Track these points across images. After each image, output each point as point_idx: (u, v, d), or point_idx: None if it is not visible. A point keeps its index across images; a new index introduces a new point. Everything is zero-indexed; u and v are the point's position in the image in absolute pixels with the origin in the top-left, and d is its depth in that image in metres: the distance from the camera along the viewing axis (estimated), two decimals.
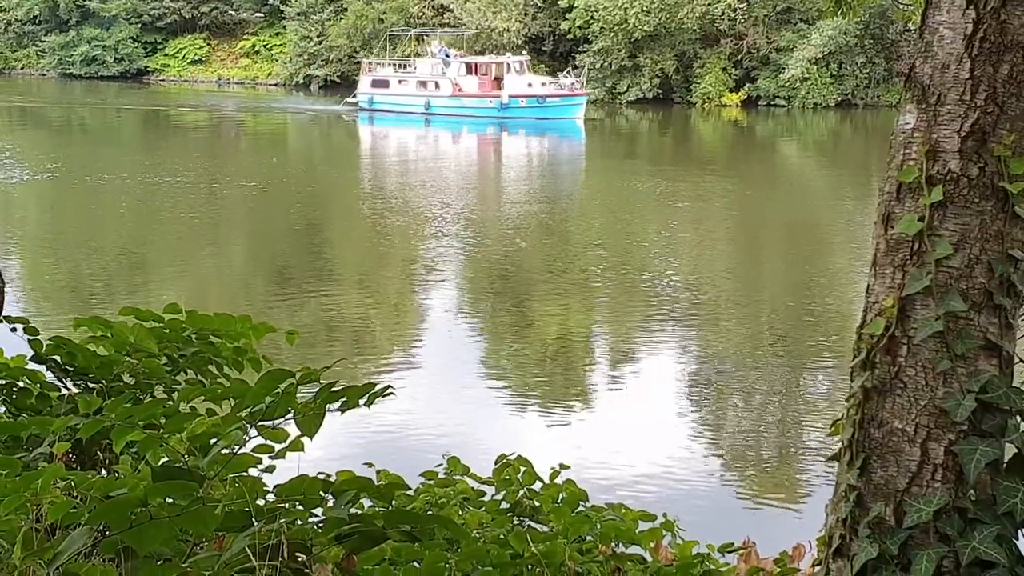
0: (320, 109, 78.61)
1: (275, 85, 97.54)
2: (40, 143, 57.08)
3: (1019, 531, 3.70)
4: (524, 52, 76.97)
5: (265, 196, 40.98)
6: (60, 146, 56.33)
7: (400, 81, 75.06)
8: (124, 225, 34.36)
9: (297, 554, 3.55)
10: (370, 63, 78.14)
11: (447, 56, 74.96)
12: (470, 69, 73.91)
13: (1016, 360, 3.89)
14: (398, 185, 44.22)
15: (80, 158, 49.68)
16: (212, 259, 30.49)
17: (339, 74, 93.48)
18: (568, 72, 73.16)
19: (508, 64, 72.34)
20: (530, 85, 71.20)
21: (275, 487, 3.85)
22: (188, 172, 45.53)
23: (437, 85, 73.37)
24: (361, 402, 3.94)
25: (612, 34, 78.92)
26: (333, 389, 3.85)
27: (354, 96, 76.82)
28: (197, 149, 57.07)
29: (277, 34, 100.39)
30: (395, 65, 77.45)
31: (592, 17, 79.95)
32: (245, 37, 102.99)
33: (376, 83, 75.77)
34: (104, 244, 31.52)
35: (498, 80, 72.14)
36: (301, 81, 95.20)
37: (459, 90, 72.60)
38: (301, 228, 35.33)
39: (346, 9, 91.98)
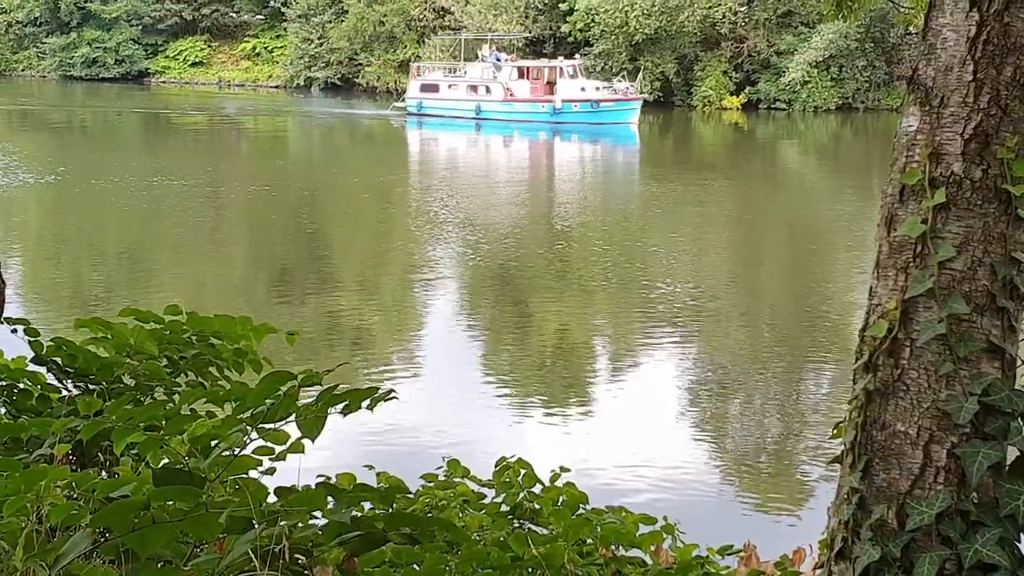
0: (366, 113, 77.43)
1: (276, 87, 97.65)
2: (42, 146, 57.05)
3: (1021, 534, 3.70)
4: (577, 56, 75.87)
5: (316, 200, 40.74)
6: (68, 148, 56.37)
7: (450, 86, 73.78)
8: (171, 232, 34.02)
9: (298, 556, 3.54)
10: (419, 67, 76.88)
11: (498, 60, 73.88)
12: (522, 73, 72.93)
13: (1019, 363, 3.88)
14: (447, 191, 43.21)
15: (106, 162, 49.49)
16: (314, 265, 30.50)
17: (340, 76, 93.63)
18: (622, 76, 72.03)
19: (561, 68, 71.29)
20: (583, 89, 69.81)
21: (277, 489, 3.84)
22: (236, 180, 44.72)
23: (488, 89, 72.18)
24: (364, 405, 3.93)
25: (613, 37, 79.04)
26: (336, 392, 3.84)
27: (402, 100, 75.63)
28: (239, 155, 56.35)
29: (278, 36, 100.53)
30: (444, 69, 76.30)
31: (593, 20, 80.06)
32: (246, 39, 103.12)
33: (425, 87, 74.41)
34: (139, 249, 31.57)
35: (550, 84, 71.11)
36: (302, 83, 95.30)
37: (511, 95, 71.49)
38: (348, 231, 35.06)
39: (347, 11, 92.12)
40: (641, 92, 70.36)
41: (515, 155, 62.26)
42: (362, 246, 32.60)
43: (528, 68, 73.62)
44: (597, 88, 69.83)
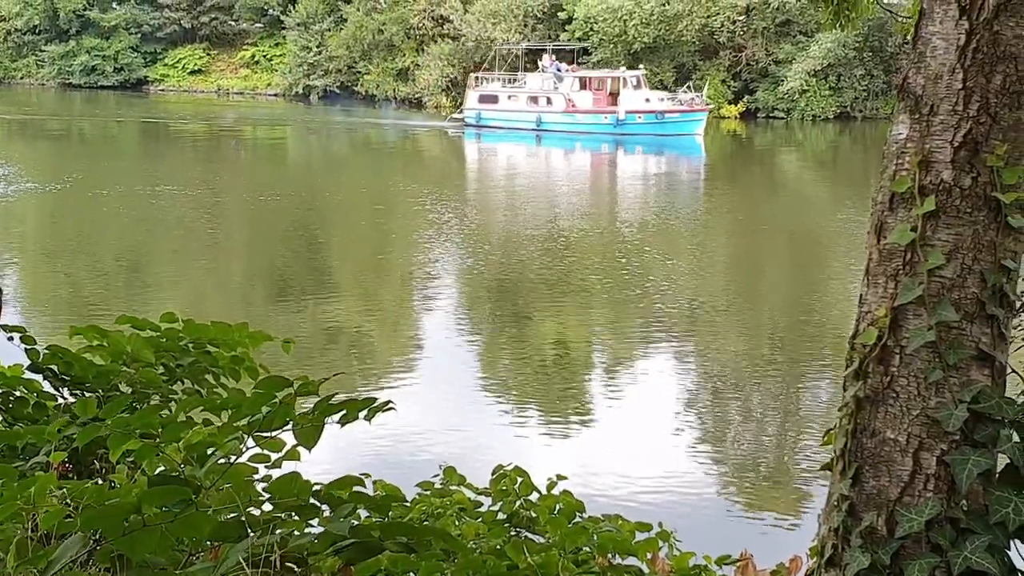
0: (419, 125, 76.06)
1: (274, 95, 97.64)
2: (40, 154, 57.09)
3: (1011, 541, 3.71)
4: (640, 66, 74.23)
5: (386, 215, 39.85)
6: (66, 157, 56.39)
7: (510, 96, 72.43)
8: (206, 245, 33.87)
9: (290, 565, 3.55)
10: (477, 78, 75.39)
11: (559, 71, 72.47)
12: (584, 84, 71.27)
13: (1008, 370, 3.90)
14: (506, 204, 42.45)
15: (114, 172, 49.43)
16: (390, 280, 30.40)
17: (339, 84, 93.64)
18: (688, 87, 70.64)
19: (624, 79, 69.73)
20: (648, 100, 68.40)
21: (268, 486, 3.84)
22: (297, 192, 44.02)
23: (549, 101, 70.76)
24: (361, 416, 3.94)
25: (612, 45, 79.06)
26: (333, 403, 3.85)
27: (460, 112, 74.46)
28: (289, 166, 54.92)
29: (276, 44, 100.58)
30: (503, 80, 74.83)
31: (592, 28, 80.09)
32: (245, 47, 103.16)
33: (484, 98, 73.10)
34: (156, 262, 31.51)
35: (613, 95, 69.37)
36: (300, 92, 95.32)
37: (572, 106, 69.94)
38: (410, 243, 34.54)
39: (346, 19, 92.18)
40: (707, 103, 68.87)
41: (576, 167, 61.21)
42: (415, 258, 31.99)
43: (590, 78, 71.83)
44: (661, 99, 68.45)
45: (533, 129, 69.74)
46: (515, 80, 74.29)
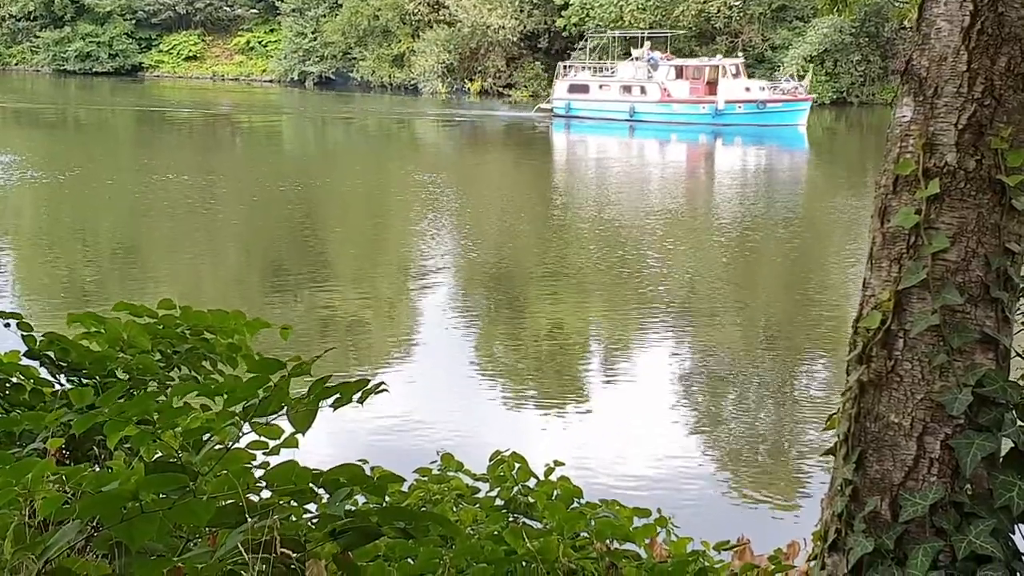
0: (506, 115, 74.02)
1: (269, 81, 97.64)
2: (36, 142, 57.00)
3: (1015, 525, 3.69)
4: (739, 54, 72.27)
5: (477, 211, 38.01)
6: (62, 145, 56.30)
7: (601, 86, 70.37)
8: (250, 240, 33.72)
9: (287, 551, 3.52)
10: (565, 67, 73.20)
11: (653, 59, 69.85)
12: (680, 73, 69.01)
13: (1013, 354, 3.88)
14: (595, 199, 40.96)
15: (111, 159, 49.23)
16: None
17: (334, 70, 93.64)
18: (790, 76, 68.62)
19: (723, 67, 67.60)
20: (748, 90, 66.13)
21: (265, 474, 3.82)
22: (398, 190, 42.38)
23: (643, 90, 68.61)
24: (355, 398, 3.92)
25: (608, 31, 79.03)
26: (328, 385, 3.83)
27: (548, 102, 72.53)
28: (389, 158, 52.26)
29: (272, 30, 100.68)
30: (593, 69, 72.65)
31: (588, 14, 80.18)
32: (240, 33, 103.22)
33: (574, 88, 71.19)
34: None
35: (711, 84, 67.32)
36: (296, 78, 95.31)
37: (668, 95, 67.81)
38: (498, 235, 33.49)
39: (341, 5, 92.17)
40: (810, 92, 66.76)
41: (671, 159, 58.91)
42: (503, 254, 30.97)
43: (686, 67, 69.62)
44: (762, 88, 66.33)
45: (626, 120, 67.69)
46: (603, 69, 72.35)
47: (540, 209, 38.45)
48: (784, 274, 28.97)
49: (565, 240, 32.39)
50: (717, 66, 68.06)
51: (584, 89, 70.88)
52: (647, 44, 72.02)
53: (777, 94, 65.53)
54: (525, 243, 32.09)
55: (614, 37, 75.55)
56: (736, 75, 67.08)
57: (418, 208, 37.98)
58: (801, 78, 67.49)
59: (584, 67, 73.01)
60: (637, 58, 70.65)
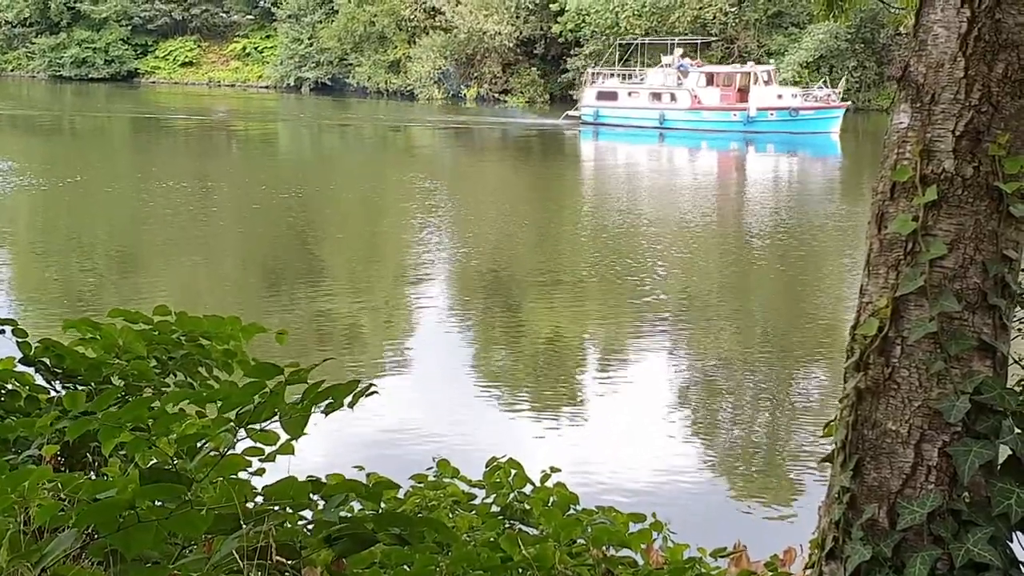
0: (534, 123, 72.80)
1: (265, 87, 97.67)
2: (32, 149, 56.96)
3: (1013, 533, 3.68)
4: (770, 61, 71.46)
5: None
6: (59, 152, 56.26)
7: (630, 93, 69.32)
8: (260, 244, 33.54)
9: (281, 558, 3.51)
10: (595, 74, 72.31)
11: (683, 66, 69.02)
12: (710, 80, 68.15)
13: (1010, 361, 3.87)
14: (625, 207, 40.05)
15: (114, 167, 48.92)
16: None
17: (330, 76, 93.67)
18: (823, 83, 67.95)
19: (755, 74, 66.74)
20: (780, 97, 65.37)
21: (264, 488, 3.82)
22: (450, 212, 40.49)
23: (673, 97, 67.69)
24: (346, 403, 3.91)
25: (604, 37, 79.08)
26: (320, 389, 3.82)
27: (576, 109, 71.56)
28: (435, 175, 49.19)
29: (268, 36, 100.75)
30: (621, 76, 71.64)
31: (584, 20, 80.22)
32: (236, 39, 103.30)
33: (602, 95, 70.07)
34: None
35: (742, 91, 66.44)
36: (292, 84, 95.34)
37: (698, 102, 67.06)
38: (522, 244, 33.00)
39: (337, 11, 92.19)
40: (843, 99, 65.83)
41: (702, 167, 58.05)
42: (526, 262, 30.42)
43: (717, 74, 68.89)
44: (794, 95, 65.43)
45: (656, 127, 66.85)
46: (631, 75, 71.55)
47: (568, 218, 38.10)
48: (818, 284, 28.78)
49: (589, 249, 31.99)
50: (748, 73, 67.38)
51: (613, 96, 69.94)
52: (678, 51, 71.21)
53: (810, 101, 64.87)
54: (553, 250, 31.73)
55: (642, 44, 74.66)
56: (768, 82, 66.45)
57: (441, 216, 37.89)
58: (834, 85, 66.66)
59: (612, 74, 72.12)
60: (667, 65, 69.87)
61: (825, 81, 68.14)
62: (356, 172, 50.72)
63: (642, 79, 70.42)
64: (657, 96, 68.41)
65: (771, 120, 64.43)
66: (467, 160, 57.64)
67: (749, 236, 34.91)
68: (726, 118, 65.96)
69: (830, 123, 63.56)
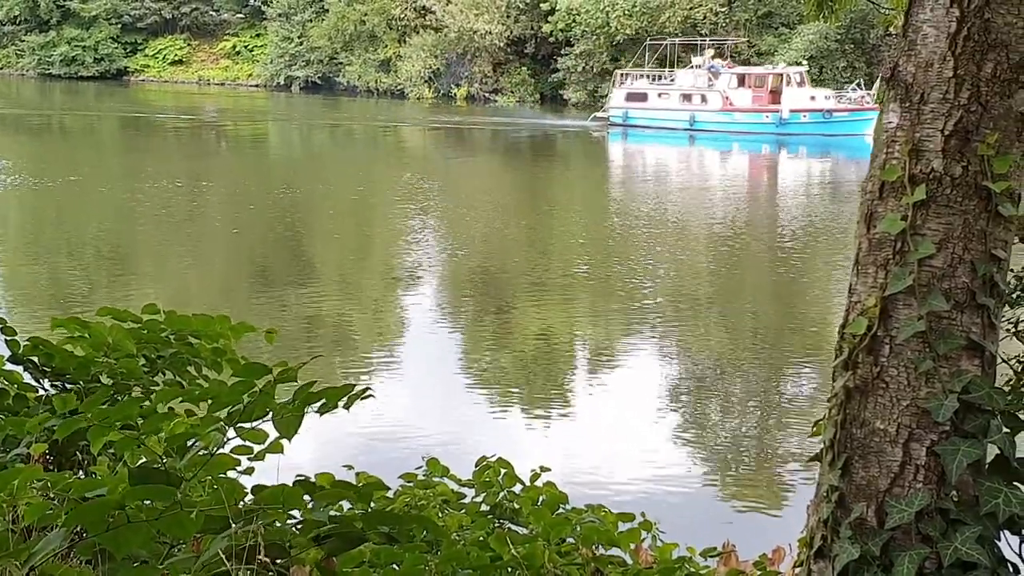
0: (560, 124, 71.89)
1: (255, 86, 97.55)
2: (22, 147, 56.82)
3: (1001, 532, 3.69)
4: (803, 63, 69.72)
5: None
6: (48, 150, 56.13)
7: (660, 94, 68.37)
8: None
9: (269, 558, 3.51)
10: (623, 75, 71.38)
11: (714, 67, 68.10)
12: (741, 81, 67.31)
13: (999, 360, 3.88)
14: (653, 210, 39.46)
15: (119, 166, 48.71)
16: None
17: (320, 75, 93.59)
18: (857, 84, 66.87)
19: (787, 75, 65.82)
20: (813, 99, 64.50)
21: (253, 487, 3.81)
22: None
23: (704, 99, 66.96)
24: (340, 404, 3.90)
25: (594, 37, 79.20)
26: (313, 390, 3.81)
27: (604, 110, 70.66)
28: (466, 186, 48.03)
29: (258, 35, 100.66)
30: (650, 77, 70.47)
31: (574, 20, 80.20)
32: (226, 38, 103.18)
33: (631, 96, 69.14)
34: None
35: (774, 93, 65.47)
36: (281, 82, 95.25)
37: (730, 104, 66.21)
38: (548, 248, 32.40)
39: (327, 10, 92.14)
40: (877, 101, 64.82)
41: (733, 169, 57.37)
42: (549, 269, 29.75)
43: (749, 75, 67.95)
44: (827, 97, 64.71)
45: (686, 129, 66.08)
46: (661, 77, 70.48)
47: (598, 220, 37.73)
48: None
49: (610, 253, 31.57)
50: (780, 74, 66.66)
51: (642, 97, 69.05)
52: (709, 51, 70.27)
53: (844, 103, 64.22)
54: (581, 254, 31.63)
55: (674, 44, 73.32)
56: (800, 83, 65.69)
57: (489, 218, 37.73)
58: (869, 87, 65.72)
59: (641, 75, 71.13)
60: (697, 66, 68.97)
61: (859, 83, 67.40)
62: (384, 175, 50.32)
63: (672, 80, 69.55)
64: (688, 97, 67.65)
65: (804, 122, 63.75)
66: (500, 164, 56.83)
67: (781, 239, 34.52)
68: (758, 120, 65.33)
69: (864, 125, 61.75)
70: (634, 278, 27.71)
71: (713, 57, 69.73)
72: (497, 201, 42.20)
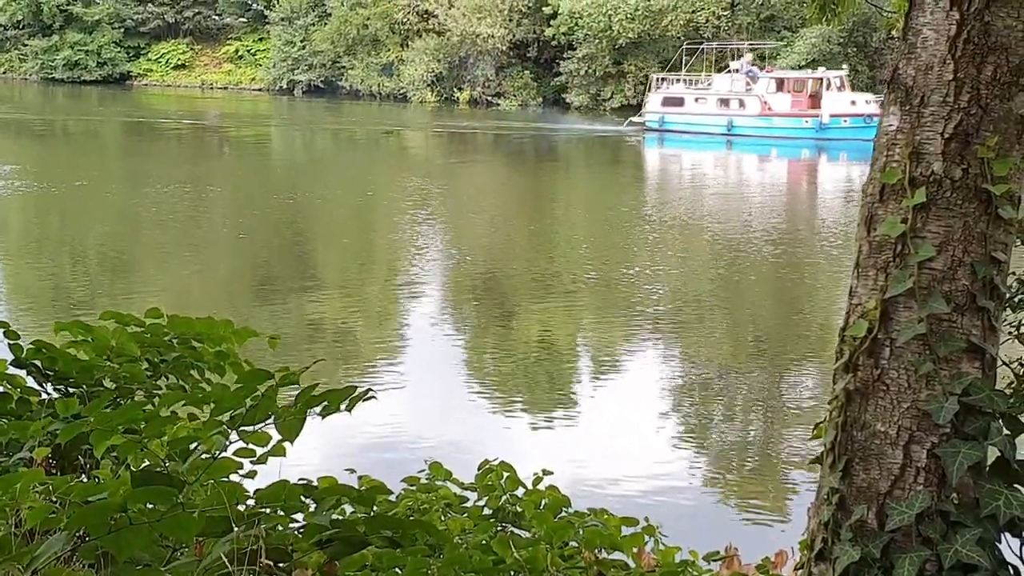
0: (596, 129, 70.87)
1: (258, 90, 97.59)
2: (24, 151, 56.85)
3: (1001, 534, 3.69)
4: (843, 67, 69.13)
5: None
6: (52, 154, 56.15)
7: (697, 99, 67.88)
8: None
9: (272, 562, 3.51)
10: (660, 79, 70.60)
11: (752, 72, 67.62)
12: (780, 85, 66.73)
13: (999, 363, 3.88)
14: (686, 217, 39.08)
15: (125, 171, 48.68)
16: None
17: (323, 79, 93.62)
18: None
19: (827, 80, 65.35)
20: (853, 103, 63.72)
21: (255, 491, 3.82)
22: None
23: (742, 103, 66.48)
24: (343, 406, 3.91)
25: (597, 41, 79.27)
26: (314, 393, 3.82)
27: (640, 115, 69.83)
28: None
29: (261, 39, 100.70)
30: (686, 81, 70.08)
31: (577, 23, 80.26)
32: (228, 42, 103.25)
33: (668, 101, 68.50)
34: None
35: (814, 97, 65.07)
36: (284, 86, 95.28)
37: (768, 109, 65.55)
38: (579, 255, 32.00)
39: (330, 14, 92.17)
40: None
41: (771, 175, 56.74)
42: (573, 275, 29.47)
43: (787, 80, 67.34)
44: (868, 101, 63.08)
45: (723, 134, 65.57)
46: (697, 81, 70.15)
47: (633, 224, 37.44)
48: None
49: (633, 259, 31.43)
50: (820, 79, 66.09)
51: (679, 102, 68.35)
52: (748, 56, 69.61)
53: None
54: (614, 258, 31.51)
55: (712, 48, 73.05)
56: (840, 88, 65.18)
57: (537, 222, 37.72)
58: None
59: (678, 79, 70.61)
60: (735, 70, 68.47)
61: None
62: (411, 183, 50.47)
63: (709, 85, 68.92)
64: (725, 102, 67.03)
65: (844, 127, 62.90)
66: (531, 168, 56.76)
67: (825, 247, 34.17)
68: (797, 125, 64.70)
69: None
70: (656, 282, 27.66)
71: (751, 62, 69.07)
72: (538, 207, 42.51)
